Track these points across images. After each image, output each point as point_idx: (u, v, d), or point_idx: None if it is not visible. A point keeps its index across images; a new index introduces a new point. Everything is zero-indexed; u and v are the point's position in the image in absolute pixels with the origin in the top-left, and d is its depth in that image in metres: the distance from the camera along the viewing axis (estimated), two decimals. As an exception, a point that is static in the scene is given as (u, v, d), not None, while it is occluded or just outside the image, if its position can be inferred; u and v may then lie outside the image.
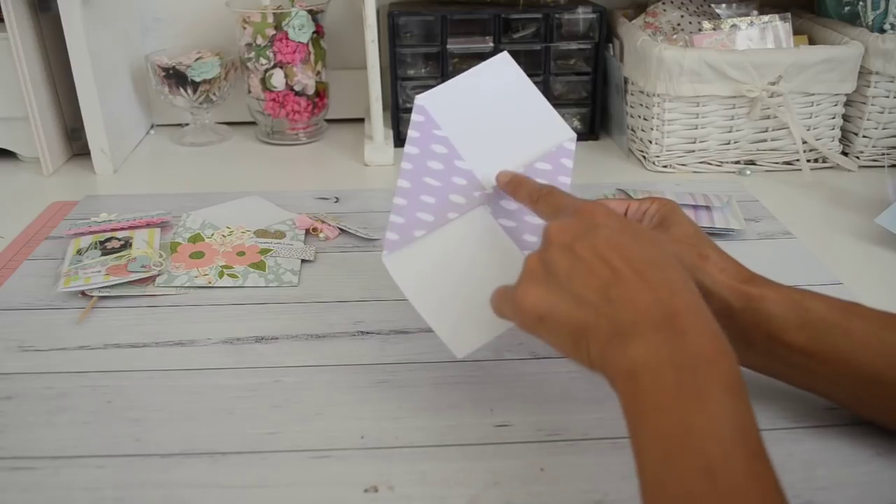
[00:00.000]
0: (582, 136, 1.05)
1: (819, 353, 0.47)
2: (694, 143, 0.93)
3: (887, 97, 0.90)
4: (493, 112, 0.57)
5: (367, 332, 0.61)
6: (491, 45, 0.99)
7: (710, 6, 1.05)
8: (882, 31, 0.91)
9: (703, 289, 0.48)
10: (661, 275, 0.41)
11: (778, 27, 0.94)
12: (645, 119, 0.94)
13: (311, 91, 1.03)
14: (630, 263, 0.41)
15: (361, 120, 1.11)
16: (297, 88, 1.01)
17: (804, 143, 0.91)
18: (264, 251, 0.73)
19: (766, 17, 0.95)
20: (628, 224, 0.44)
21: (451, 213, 0.54)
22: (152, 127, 1.13)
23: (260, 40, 0.98)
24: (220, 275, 0.69)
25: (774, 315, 0.47)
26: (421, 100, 0.56)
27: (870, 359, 0.46)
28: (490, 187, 0.55)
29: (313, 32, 1.00)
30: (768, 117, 0.91)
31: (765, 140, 0.93)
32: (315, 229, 0.77)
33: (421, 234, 0.53)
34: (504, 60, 0.59)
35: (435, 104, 0.56)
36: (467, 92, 0.57)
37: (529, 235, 0.55)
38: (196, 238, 0.75)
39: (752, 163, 0.94)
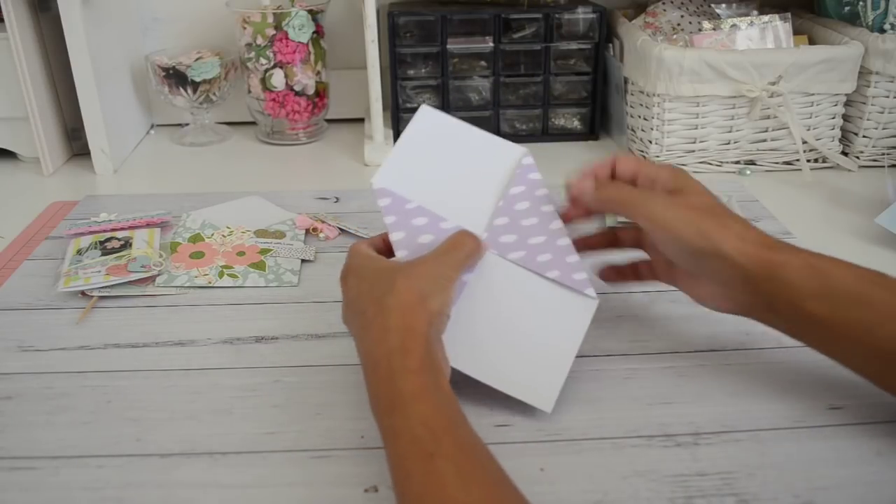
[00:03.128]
0: (582, 136, 1.05)
1: (840, 324, 0.46)
2: (694, 143, 0.93)
3: (887, 97, 0.90)
4: (446, 162, 0.58)
5: (367, 332, 0.61)
6: (491, 44, 0.99)
7: (710, 6, 1.05)
8: (882, 31, 0.91)
9: (724, 257, 0.48)
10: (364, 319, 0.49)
11: (778, 27, 0.94)
12: (645, 119, 0.94)
13: (311, 91, 1.03)
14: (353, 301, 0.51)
15: (361, 120, 1.11)
16: (297, 88, 1.01)
17: (804, 143, 0.91)
18: (264, 251, 0.73)
19: (766, 17, 0.95)
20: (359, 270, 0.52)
21: None
22: (152, 127, 1.13)
23: (260, 40, 0.98)
24: (220, 275, 0.69)
25: (795, 284, 0.47)
26: (378, 183, 0.56)
27: (892, 332, 0.45)
28: (483, 232, 0.56)
29: (313, 32, 1.00)
30: (768, 117, 0.91)
31: (765, 140, 0.93)
32: (315, 229, 0.77)
33: None
34: (424, 112, 0.59)
35: (392, 181, 0.56)
36: (412, 156, 0.57)
37: (542, 255, 0.56)
38: (196, 238, 0.75)
39: (752, 163, 0.94)
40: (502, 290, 0.54)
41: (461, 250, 0.51)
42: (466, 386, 0.54)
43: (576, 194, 0.55)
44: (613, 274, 0.61)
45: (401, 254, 0.54)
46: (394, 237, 0.54)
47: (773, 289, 0.48)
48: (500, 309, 0.54)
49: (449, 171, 0.57)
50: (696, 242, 0.49)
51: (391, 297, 0.46)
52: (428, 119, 0.59)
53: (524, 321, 0.54)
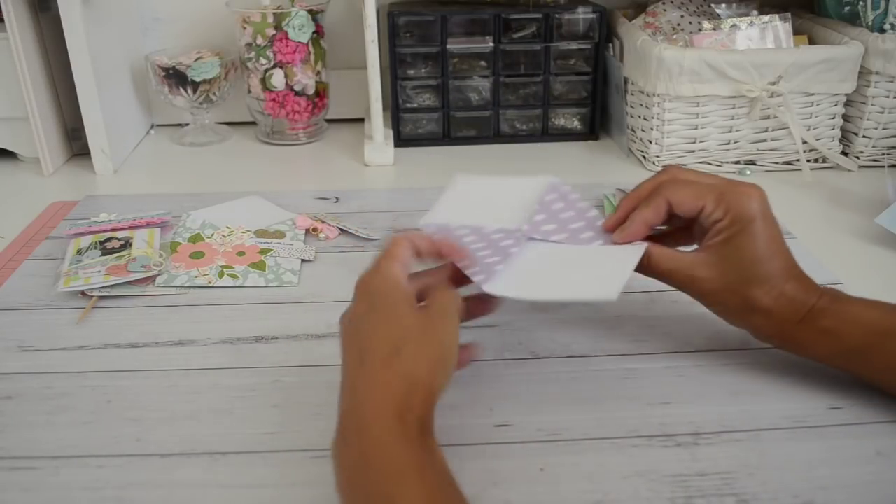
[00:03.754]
0: (582, 136, 1.05)
1: (864, 376, 0.51)
2: (694, 143, 0.93)
3: (887, 97, 0.90)
4: (483, 201, 0.63)
5: (367, 332, 0.61)
6: (491, 45, 0.99)
7: (710, 6, 1.05)
8: (882, 31, 0.91)
9: (747, 330, 0.54)
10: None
11: (778, 27, 0.94)
12: (645, 119, 0.94)
13: (311, 91, 1.03)
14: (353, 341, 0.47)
15: (361, 120, 1.11)
16: (297, 88, 1.01)
17: (804, 143, 0.91)
18: (264, 251, 0.73)
19: (766, 17, 0.95)
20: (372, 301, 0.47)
21: (511, 249, 0.56)
22: (152, 127, 1.13)
23: (260, 40, 0.98)
24: (220, 275, 0.69)
25: (814, 350, 0.52)
26: (424, 221, 0.61)
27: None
28: (524, 224, 0.59)
29: (313, 32, 1.00)
30: (768, 117, 0.91)
31: (765, 140, 0.93)
32: (315, 229, 0.77)
33: (500, 267, 0.54)
34: (458, 180, 0.65)
35: (437, 218, 0.61)
36: (451, 202, 0.63)
37: (584, 234, 0.57)
38: (196, 238, 0.75)
39: (752, 163, 0.94)
40: (551, 255, 0.56)
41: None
42: (467, 386, 0.54)
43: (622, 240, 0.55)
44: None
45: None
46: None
47: (798, 352, 0.53)
48: (552, 259, 0.55)
49: (486, 203, 0.62)
50: (720, 315, 0.54)
51: (400, 358, 0.43)
52: (461, 184, 0.65)
53: (580, 258, 0.55)
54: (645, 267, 0.53)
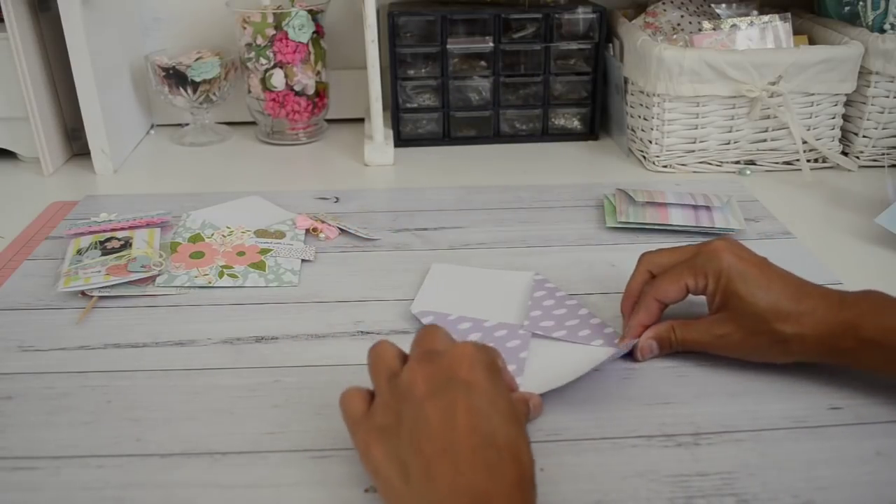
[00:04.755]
0: (582, 136, 1.05)
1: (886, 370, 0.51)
2: (694, 143, 0.93)
3: (887, 97, 0.90)
4: (469, 289, 0.66)
5: (367, 332, 0.61)
6: (491, 44, 0.99)
7: (710, 6, 1.05)
8: (882, 31, 0.91)
9: (790, 359, 0.53)
10: (488, 454, 0.38)
11: (778, 27, 0.94)
12: (645, 119, 0.94)
13: (311, 91, 1.03)
14: (467, 435, 0.39)
15: (361, 120, 1.11)
16: (297, 88, 1.01)
17: (804, 143, 0.91)
18: (264, 251, 0.73)
19: (766, 17, 0.95)
20: (488, 382, 0.42)
21: (520, 352, 0.58)
22: (152, 127, 1.13)
23: (260, 40, 0.98)
24: (220, 275, 0.69)
25: (859, 360, 0.51)
26: (416, 308, 0.63)
27: None
28: (525, 321, 0.61)
29: (313, 32, 1.00)
30: (768, 117, 0.91)
31: (765, 140, 0.93)
32: (315, 229, 0.77)
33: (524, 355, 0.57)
34: (436, 268, 0.69)
35: (427, 305, 0.63)
36: (437, 290, 0.66)
37: (581, 331, 0.60)
38: (196, 238, 0.75)
39: (752, 163, 0.94)
40: (559, 347, 0.59)
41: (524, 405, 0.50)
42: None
43: (645, 356, 0.57)
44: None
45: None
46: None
47: (842, 362, 0.52)
48: (563, 355, 0.58)
49: (473, 294, 0.65)
50: (764, 360, 0.55)
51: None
52: (440, 273, 0.69)
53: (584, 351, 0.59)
54: (673, 343, 0.56)
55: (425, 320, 0.61)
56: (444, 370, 0.42)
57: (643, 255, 0.60)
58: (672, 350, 0.57)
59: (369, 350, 0.47)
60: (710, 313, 0.55)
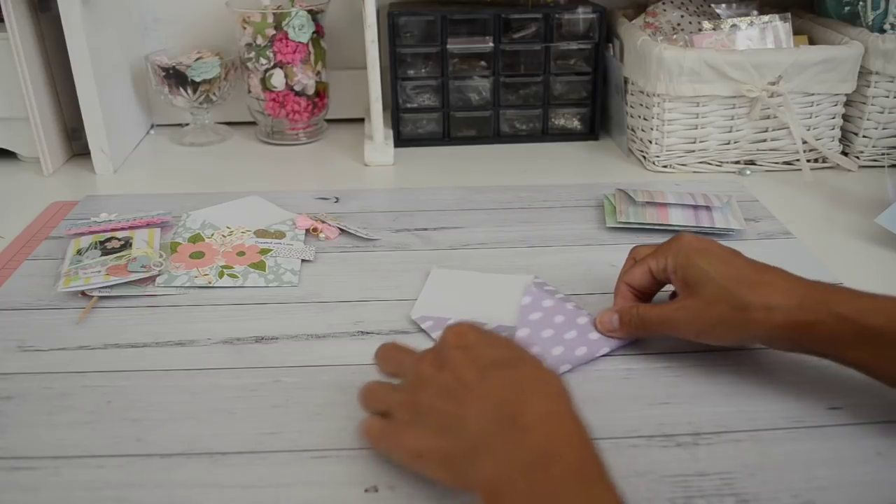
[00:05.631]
0: (582, 136, 1.05)
1: (884, 365, 0.48)
2: (694, 143, 0.93)
3: (887, 97, 0.90)
4: (467, 292, 0.66)
5: (367, 332, 0.61)
6: (491, 45, 0.99)
7: (710, 6, 1.05)
8: (882, 31, 0.91)
9: (754, 338, 0.52)
10: (509, 374, 0.42)
11: (778, 27, 0.94)
12: (645, 119, 0.94)
13: (311, 91, 1.03)
14: (481, 371, 0.42)
15: (361, 120, 1.11)
16: (297, 88, 1.01)
17: (804, 143, 0.91)
18: (264, 251, 0.73)
19: (766, 17, 0.95)
20: (483, 332, 0.46)
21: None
22: (152, 127, 1.13)
23: (260, 40, 0.98)
24: (220, 275, 0.69)
25: (831, 338, 0.48)
26: (415, 314, 0.63)
27: None
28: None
29: (313, 32, 1.00)
30: (768, 117, 0.91)
31: (765, 140, 0.93)
32: (315, 229, 0.77)
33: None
34: (436, 272, 0.69)
35: (427, 310, 0.63)
36: (437, 294, 0.66)
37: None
38: (196, 238, 0.75)
39: (752, 163, 0.94)
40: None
41: None
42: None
43: (606, 332, 0.58)
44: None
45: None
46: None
47: (812, 344, 0.50)
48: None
49: (473, 297, 0.65)
50: (728, 339, 0.53)
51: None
52: (439, 276, 0.68)
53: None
54: (633, 320, 0.57)
55: (425, 325, 0.61)
56: (439, 348, 0.46)
57: (633, 248, 0.62)
58: (634, 329, 0.57)
59: (376, 353, 0.51)
60: (675, 294, 0.56)
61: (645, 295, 0.59)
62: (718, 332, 0.52)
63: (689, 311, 0.53)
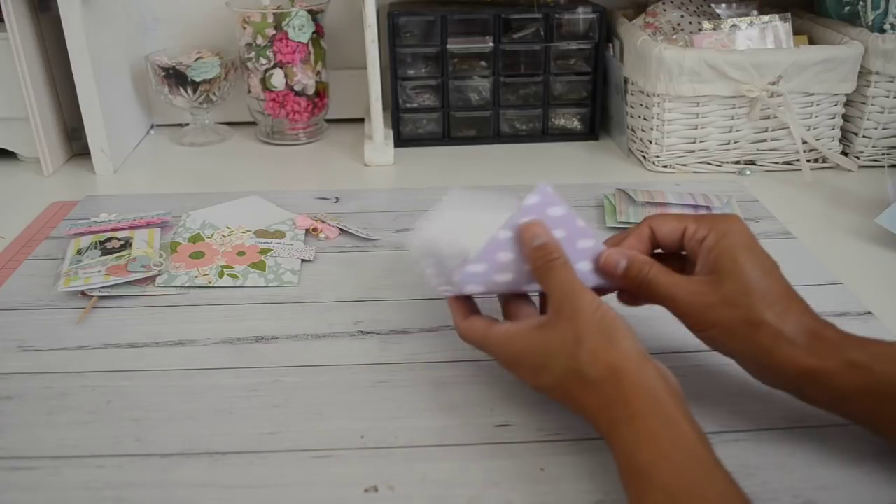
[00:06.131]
0: (582, 136, 1.05)
1: (886, 418, 0.45)
2: (694, 143, 0.93)
3: (887, 97, 0.90)
4: (473, 214, 0.59)
5: (367, 332, 0.61)
6: (491, 45, 0.99)
7: (710, 6, 1.05)
8: (882, 31, 0.91)
9: (758, 362, 0.47)
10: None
11: (778, 27, 0.94)
12: (645, 119, 0.94)
13: (311, 91, 1.03)
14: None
15: (361, 120, 1.11)
16: (297, 88, 1.01)
17: (804, 143, 0.91)
18: (264, 251, 0.73)
19: (766, 17, 0.95)
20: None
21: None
22: (152, 127, 1.13)
23: (260, 40, 0.98)
24: (220, 275, 0.69)
25: (836, 387, 0.45)
26: (411, 241, 0.57)
27: None
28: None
29: (313, 32, 1.00)
30: (768, 117, 0.91)
31: (765, 140, 0.93)
32: (315, 229, 0.77)
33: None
34: (454, 193, 0.61)
35: (428, 232, 0.57)
36: (444, 217, 0.59)
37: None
38: (196, 238, 0.75)
39: (752, 163, 0.94)
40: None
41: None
42: (467, 386, 0.54)
43: (606, 272, 0.52)
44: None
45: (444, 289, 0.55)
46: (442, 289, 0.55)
47: (814, 391, 0.46)
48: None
49: (478, 224, 0.58)
50: (724, 346, 0.49)
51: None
52: (456, 196, 0.61)
53: None
54: (641, 278, 0.50)
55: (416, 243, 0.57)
56: None
57: (648, 216, 0.55)
58: (636, 288, 0.51)
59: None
60: (695, 272, 0.50)
61: (657, 249, 0.53)
62: (719, 336, 0.49)
63: (703, 301, 0.48)
